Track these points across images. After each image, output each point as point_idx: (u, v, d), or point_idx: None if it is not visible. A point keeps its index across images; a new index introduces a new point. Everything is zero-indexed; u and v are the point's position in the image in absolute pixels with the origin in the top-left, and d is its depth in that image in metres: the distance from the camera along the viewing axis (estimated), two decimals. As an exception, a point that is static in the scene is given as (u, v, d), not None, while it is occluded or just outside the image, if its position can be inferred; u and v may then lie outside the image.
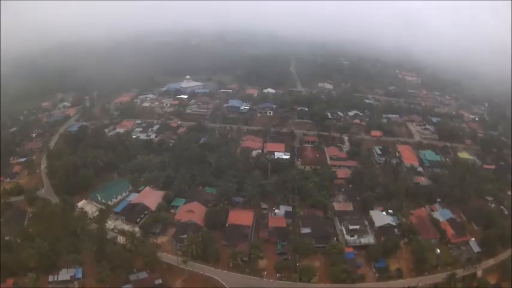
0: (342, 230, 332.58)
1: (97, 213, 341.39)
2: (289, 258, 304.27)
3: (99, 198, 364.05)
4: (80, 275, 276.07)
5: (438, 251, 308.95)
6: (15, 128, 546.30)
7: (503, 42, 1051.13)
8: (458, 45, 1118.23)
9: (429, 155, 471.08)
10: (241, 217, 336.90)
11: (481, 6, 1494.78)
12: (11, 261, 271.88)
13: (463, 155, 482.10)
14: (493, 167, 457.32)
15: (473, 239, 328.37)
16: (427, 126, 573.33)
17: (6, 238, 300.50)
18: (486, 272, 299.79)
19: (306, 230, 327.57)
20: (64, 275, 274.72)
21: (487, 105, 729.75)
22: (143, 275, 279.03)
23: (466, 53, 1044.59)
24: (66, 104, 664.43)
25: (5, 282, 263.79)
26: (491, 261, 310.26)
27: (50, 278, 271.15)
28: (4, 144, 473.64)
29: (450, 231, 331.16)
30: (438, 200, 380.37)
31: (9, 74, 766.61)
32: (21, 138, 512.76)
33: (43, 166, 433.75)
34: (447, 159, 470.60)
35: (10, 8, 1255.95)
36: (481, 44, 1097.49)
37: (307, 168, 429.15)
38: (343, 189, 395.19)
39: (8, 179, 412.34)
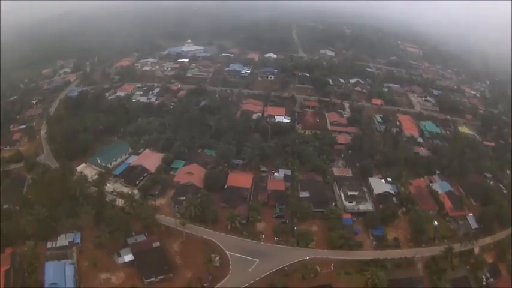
0: (340, 196, 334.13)
1: (96, 176, 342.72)
2: (287, 221, 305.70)
3: (99, 161, 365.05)
4: (78, 240, 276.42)
5: (436, 223, 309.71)
6: (15, 97, 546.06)
7: (504, 20, 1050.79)
8: (461, 20, 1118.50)
9: (429, 126, 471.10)
10: (240, 179, 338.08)
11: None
12: (9, 230, 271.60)
13: (464, 129, 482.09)
14: (492, 144, 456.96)
15: (471, 214, 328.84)
16: (428, 98, 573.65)
17: (5, 206, 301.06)
18: (483, 249, 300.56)
19: (304, 194, 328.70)
20: (62, 240, 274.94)
21: (488, 82, 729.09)
22: (141, 237, 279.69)
23: (468, 28, 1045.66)
24: (66, 70, 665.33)
25: (4, 252, 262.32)
26: (488, 239, 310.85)
27: (48, 245, 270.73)
28: (4, 112, 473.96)
29: (448, 203, 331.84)
30: (437, 171, 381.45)
31: (9, 42, 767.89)
32: (21, 105, 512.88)
33: (43, 132, 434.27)
34: (447, 131, 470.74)
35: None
36: (484, 21, 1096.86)
37: (307, 132, 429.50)
38: (342, 155, 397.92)
39: (8, 147, 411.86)
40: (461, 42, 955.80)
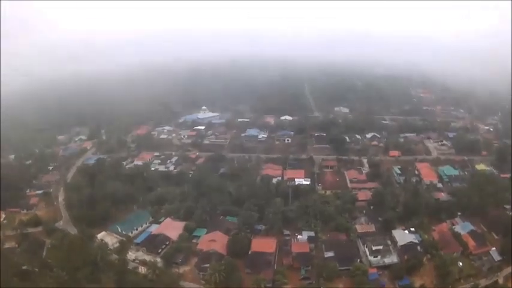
0: (365, 252, 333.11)
1: (117, 244, 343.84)
2: (314, 282, 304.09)
3: (119, 229, 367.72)
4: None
5: (460, 264, 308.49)
6: (30, 161, 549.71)
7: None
8: (467, 56, 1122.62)
9: (447, 170, 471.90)
10: (263, 244, 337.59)
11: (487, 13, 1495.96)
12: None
13: (480, 166, 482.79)
14: (508, 175, 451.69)
15: (494, 248, 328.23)
16: (444, 141, 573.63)
17: (24, 267, 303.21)
18: (506, 278, 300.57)
19: (329, 254, 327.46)
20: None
21: (499, 114, 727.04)
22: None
23: (475, 62, 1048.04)
24: (82, 137, 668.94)
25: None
26: (510, 268, 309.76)
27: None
28: (20, 176, 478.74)
29: (471, 243, 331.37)
30: (459, 213, 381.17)
31: (23, 105, 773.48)
32: (37, 170, 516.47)
33: (61, 198, 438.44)
34: (465, 172, 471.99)
35: (25, 38, 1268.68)
36: (490, 52, 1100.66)
37: (328, 192, 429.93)
38: (364, 211, 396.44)
39: (25, 210, 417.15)
40: (470, 78, 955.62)
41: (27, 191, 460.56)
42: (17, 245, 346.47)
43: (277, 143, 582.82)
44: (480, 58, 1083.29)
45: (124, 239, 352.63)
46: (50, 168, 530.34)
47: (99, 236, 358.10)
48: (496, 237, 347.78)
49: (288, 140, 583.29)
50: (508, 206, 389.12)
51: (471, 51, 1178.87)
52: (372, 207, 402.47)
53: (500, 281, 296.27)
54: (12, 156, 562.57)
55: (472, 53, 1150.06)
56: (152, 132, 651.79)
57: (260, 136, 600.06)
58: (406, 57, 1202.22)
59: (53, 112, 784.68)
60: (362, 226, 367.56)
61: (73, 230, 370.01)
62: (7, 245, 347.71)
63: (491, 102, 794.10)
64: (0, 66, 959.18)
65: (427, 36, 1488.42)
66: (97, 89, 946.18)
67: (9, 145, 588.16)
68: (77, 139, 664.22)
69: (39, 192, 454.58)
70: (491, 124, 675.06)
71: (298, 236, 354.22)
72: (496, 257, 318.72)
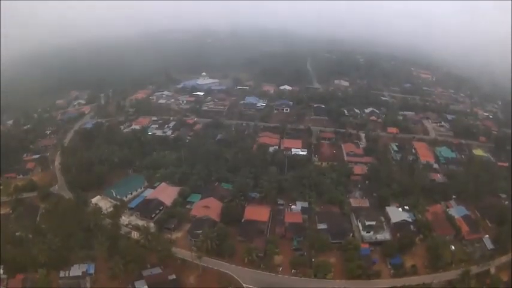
0: (358, 226, 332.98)
1: (111, 209, 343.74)
2: (305, 254, 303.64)
3: (114, 194, 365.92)
4: (91, 271, 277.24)
5: (453, 247, 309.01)
6: (29, 126, 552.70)
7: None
8: (471, 43, 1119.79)
9: (445, 151, 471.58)
10: (257, 213, 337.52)
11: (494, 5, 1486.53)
12: (21, 257, 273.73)
13: (478, 152, 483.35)
14: (507, 164, 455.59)
15: (487, 236, 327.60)
16: (443, 123, 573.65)
17: (17, 233, 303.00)
18: (499, 269, 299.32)
19: (322, 226, 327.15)
20: (76, 270, 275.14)
21: (500, 103, 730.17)
22: (157, 270, 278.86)
23: (479, 50, 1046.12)
24: (81, 101, 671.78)
25: (15, 278, 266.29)
26: (504, 258, 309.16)
27: (61, 274, 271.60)
28: (17, 141, 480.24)
29: (465, 227, 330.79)
30: (453, 196, 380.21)
31: (23, 72, 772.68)
32: (35, 135, 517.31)
33: (57, 162, 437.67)
34: (462, 156, 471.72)
35: (26, 6, 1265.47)
36: (494, 41, 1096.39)
37: (324, 164, 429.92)
38: (359, 186, 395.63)
39: (21, 175, 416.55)
40: (473, 64, 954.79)
41: (24, 155, 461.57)
42: (11, 211, 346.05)
43: (275, 112, 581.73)
44: (485, 47, 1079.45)
45: (118, 203, 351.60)
46: (48, 132, 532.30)
47: (94, 200, 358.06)
48: (489, 224, 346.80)
49: (286, 110, 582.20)
50: (503, 195, 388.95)
51: (478, 39, 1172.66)
52: (367, 182, 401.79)
53: (492, 270, 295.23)
54: (10, 122, 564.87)
55: (478, 41, 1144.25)
56: (151, 97, 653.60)
57: (259, 104, 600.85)
58: (410, 38, 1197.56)
59: (53, 77, 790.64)
60: (356, 200, 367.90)
61: (68, 195, 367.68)
62: (2, 211, 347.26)
63: (492, 90, 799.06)
64: (0, 31, 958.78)
65: (435, 20, 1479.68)
66: (98, 56, 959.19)
67: (8, 110, 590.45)
68: (75, 103, 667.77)
69: (36, 156, 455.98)
70: (491, 111, 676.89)
71: (292, 206, 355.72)
72: (489, 245, 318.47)
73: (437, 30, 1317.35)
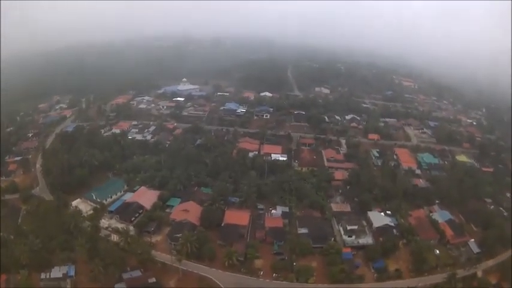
0: (339, 231, 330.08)
1: (91, 211, 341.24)
2: (286, 258, 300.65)
3: (94, 197, 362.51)
4: (72, 273, 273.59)
5: (437, 251, 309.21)
6: (11, 128, 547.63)
7: (499, 47, 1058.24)
8: (453, 51, 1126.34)
9: (427, 157, 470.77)
10: (237, 217, 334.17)
11: (477, 11, 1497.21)
12: (3, 258, 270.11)
13: (462, 158, 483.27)
14: (491, 169, 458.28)
15: (473, 239, 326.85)
16: (425, 130, 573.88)
17: (1, 234, 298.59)
18: (486, 272, 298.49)
19: (303, 230, 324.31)
20: (56, 272, 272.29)
21: (484, 110, 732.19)
22: (137, 273, 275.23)
23: (462, 58, 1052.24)
24: (62, 105, 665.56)
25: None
26: (490, 262, 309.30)
27: (42, 276, 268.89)
28: (0, 143, 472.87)
29: (449, 232, 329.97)
30: (437, 201, 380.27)
31: (6, 75, 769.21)
32: (17, 137, 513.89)
33: (38, 165, 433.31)
34: (445, 162, 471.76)
35: (9, 10, 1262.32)
36: (477, 50, 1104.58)
37: (304, 169, 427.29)
38: (340, 191, 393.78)
39: (3, 177, 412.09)
40: (456, 72, 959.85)
41: (7, 157, 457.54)
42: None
43: (255, 118, 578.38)
44: (469, 54, 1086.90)
45: (98, 206, 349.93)
46: (30, 135, 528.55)
47: (74, 203, 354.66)
48: (474, 229, 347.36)
49: (266, 116, 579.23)
50: (488, 200, 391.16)
51: (461, 47, 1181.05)
52: (348, 187, 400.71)
53: (479, 273, 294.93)
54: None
55: (461, 49, 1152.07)
56: (131, 102, 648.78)
57: (239, 110, 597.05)
58: (392, 47, 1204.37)
59: (36, 81, 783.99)
60: (337, 205, 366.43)
61: (49, 197, 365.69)
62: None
63: (476, 98, 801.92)
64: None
65: (416, 31, 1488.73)
66: (81, 61, 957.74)
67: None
68: (57, 107, 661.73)
69: (18, 158, 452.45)
70: (474, 118, 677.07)
71: (272, 211, 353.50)
72: (475, 248, 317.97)
73: (419, 39, 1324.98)
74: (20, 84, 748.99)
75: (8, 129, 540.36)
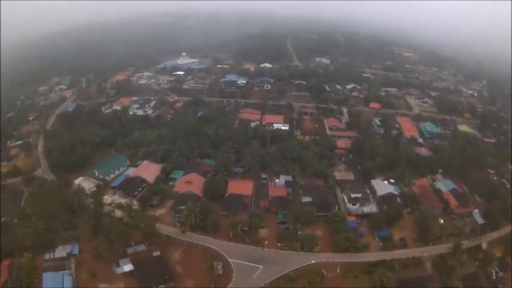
0: (343, 199, 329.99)
1: (94, 189, 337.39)
2: (291, 227, 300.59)
3: (96, 174, 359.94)
4: (76, 251, 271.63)
5: (442, 221, 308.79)
6: (12, 113, 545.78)
7: (500, 22, 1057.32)
8: (455, 23, 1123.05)
9: (429, 126, 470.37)
10: (240, 187, 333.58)
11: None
12: (7, 242, 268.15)
13: (463, 127, 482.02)
14: (493, 140, 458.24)
15: (477, 210, 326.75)
16: (426, 99, 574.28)
17: (3, 219, 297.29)
18: (491, 244, 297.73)
19: (307, 199, 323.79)
20: (60, 252, 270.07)
21: (485, 82, 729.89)
22: (141, 247, 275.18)
23: (463, 31, 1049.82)
24: (62, 86, 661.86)
25: (1, 264, 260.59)
26: (495, 234, 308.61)
27: (46, 256, 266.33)
28: (1, 128, 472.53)
29: (453, 201, 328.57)
30: (440, 170, 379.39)
31: (5, 60, 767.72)
32: (18, 122, 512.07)
33: (40, 147, 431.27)
34: (447, 131, 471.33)
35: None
36: (479, 23, 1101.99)
37: (307, 138, 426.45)
38: (343, 159, 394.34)
39: (5, 162, 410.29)
40: (456, 44, 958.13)
41: (8, 142, 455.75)
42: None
43: (256, 89, 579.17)
44: (468, 28, 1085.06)
45: (101, 183, 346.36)
46: (30, 118, 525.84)
47: (77, 181, 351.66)
48: (478, 199, 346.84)
49: (267, 87, 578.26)
50: (491, 171, 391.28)
51: (461, 20, 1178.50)
52: (350, 155, 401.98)
53: (484, 245, 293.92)
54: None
55: (461, 22, 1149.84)
56: (131, 78, 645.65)
57: (239, 82, 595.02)
58: (391, 18, 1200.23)
59: (34, 65, 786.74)
60: (340, 173, 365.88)
61: (51, 177, 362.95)
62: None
63: (477, 70, 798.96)
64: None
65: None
66: (79, 42, 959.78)
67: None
68: (57, 89, 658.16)
69: (19, 142, 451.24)
70: (475, 90, 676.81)
71: (276, 180, 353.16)
72: (479, 219, 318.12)
73: (419, 10, 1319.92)
74: (20, 68, 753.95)
75: (8, 115, 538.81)
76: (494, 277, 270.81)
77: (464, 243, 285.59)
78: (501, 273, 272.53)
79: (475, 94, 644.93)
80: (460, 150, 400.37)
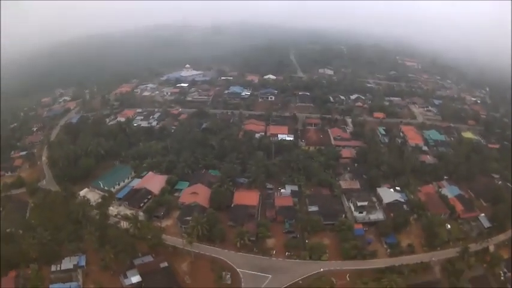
0: (350, 208, 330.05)
1: (99, 200, 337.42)
2: (298, 236, 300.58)
3: (101, 185, 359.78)
4: (83, 263, 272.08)
5: (448, 226, 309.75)
6: (15, 124, 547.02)
7: (501, 27, 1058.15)
8: (457, 32, 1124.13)
9: (433, 134, 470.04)
10: (246, 197, 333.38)
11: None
12: (12, 253, 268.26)
13: (467, 134, 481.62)
14: (497, 146, 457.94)
15: (483, 214, 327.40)
16: (430, 108, 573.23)
17: (8, 230, 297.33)
18: (498, 247, 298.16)
19: (313, 208, 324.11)
20: (67, 263, 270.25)
21: (487, 89, 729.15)
22: (148, 258, 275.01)
23: (465, 39, 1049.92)
24: (66, 98, 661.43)
25: (7, 275, 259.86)
26: (502, 237, 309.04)
27: (53, 268, 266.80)
28: (4, 139, 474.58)
29: (459, 206, 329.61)
30: (445, 177, 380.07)
31: (9, 71, 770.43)
32: (21, 133, 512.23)
33: (44, 158, 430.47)
34: (451, 138, 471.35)
35: (10, 7, 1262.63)
36: (480, 31, 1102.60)
37: (312, 148, 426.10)
38: (348, 168, 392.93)
39: (9, 173, 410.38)
40: (459, 53, 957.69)
41: (12, 153, 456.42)
42: (1, 209, 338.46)
43: (260, 100, 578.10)
44: (470, 35, 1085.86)
45: (106, 194, 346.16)
46: (34, 129, 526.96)
47: (82, 192, 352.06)
48: (484, 204, 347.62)
49: (271, 98, 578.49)
50: (496, 176, 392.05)
51: (462, 27, 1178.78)
52: (356, 164, 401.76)
53: (491, 248, 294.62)
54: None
55: (463, 30, 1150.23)
56: (135, 90, 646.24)
57: (243, 93, 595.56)
58: (393, 28, 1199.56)
59: (38, 76, 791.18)
60: (346, 182, 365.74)
61: (56, 189, 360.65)
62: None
63: (479, 78, 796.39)
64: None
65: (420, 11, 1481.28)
66: (83, 54, 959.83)
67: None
68: (61, 100, 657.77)
69: (23, 153, 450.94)
70: (478, 97, 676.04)
71: (282, 190, 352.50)
72: (486, 223, 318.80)
73: (421, 19, 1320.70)
74: (22, 80, 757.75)
75: (12, 126, 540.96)
76: (502, 278, 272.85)
77: (472, 246, 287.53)
78: (509, 274, 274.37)
79: (478, 101, 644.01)
80: (465, 157, 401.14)
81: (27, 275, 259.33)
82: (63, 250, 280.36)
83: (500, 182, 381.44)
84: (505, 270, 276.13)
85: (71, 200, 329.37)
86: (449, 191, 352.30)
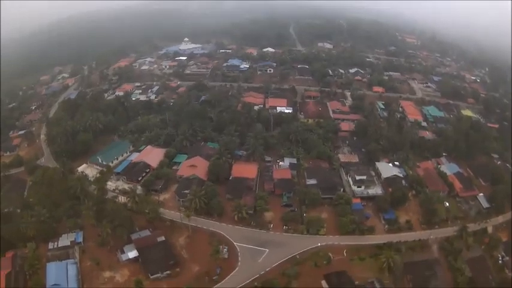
0: (348, 181, 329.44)
1: (98, 175, 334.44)
2: (296, 209, 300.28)
3: (100, 160, 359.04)
4: (80, 240, 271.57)
5: (447, 204, 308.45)
6: (14, 103, 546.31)
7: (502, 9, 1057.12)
8: (458, 10, 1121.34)
9: (432, 110, 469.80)
10: (245, 170, 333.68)
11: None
12: (10, 233, 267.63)
13: (467, 112, 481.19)
14: (496, 126, 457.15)
15: (482, 194, 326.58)
16: (429, 84, 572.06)
17: (6, 210, 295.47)
18: (496, 228, 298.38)
19: (311, 181, 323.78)
20: (64, 240, 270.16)
21: (487, 69, 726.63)
22: (145, 233, 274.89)
23: (465, 17, 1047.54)
24: (64, 75, 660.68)
25: (5, 256, 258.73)
26: (500, 218, 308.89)
27: (50, 246, 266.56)
28: (3, 119, 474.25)
29: (458, 184, 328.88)
30: (444, 154, 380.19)
31: (7, 50, 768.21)
32: (20, 112, 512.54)
33: (42, 135, 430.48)
34: (451, 115, 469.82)
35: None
36: (481, 10, 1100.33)
37: (310, 121, 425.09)
38: (347, 142, 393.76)
39: (8, 152, 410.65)
40: (459, 32, 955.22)
41: (10, 133, 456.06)
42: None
43: (259, 73, 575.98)
44: (471, 15, 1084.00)
45: (104, 169, 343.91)
46: (33, 108, 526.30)
47: (80, 168, 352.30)
48: (483, 183, 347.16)
49: (270, 71, 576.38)
50: (495, 156, 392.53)
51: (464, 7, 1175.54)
52: (354, 138, 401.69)
53: (490, 229, 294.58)
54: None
55: (464, 9, 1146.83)
56: (133, 65, 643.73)
57: (242, 66, 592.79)
58: (394, 4, 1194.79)
59: (36, 55, 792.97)
60: (345, 156, 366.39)
61: (54, 166, 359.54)
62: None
63: (479, 56, 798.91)
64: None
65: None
66: (80, 30, 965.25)
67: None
68: (59, 77, 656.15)
69: (22, 132, 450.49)
70: (478, 76, 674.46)
71: (280, 163, 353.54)
72: (484, 203, 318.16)
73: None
74: (21, 58, 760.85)
75: (11, 105, 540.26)
76: (500, 261, 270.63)
77: (470, 226, 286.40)
78: (507, 258, 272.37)
79: (478, 80, 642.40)
80: (464, 135, 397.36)
81: (25, 254, 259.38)
82: (61, 227, 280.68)
83: (499, 162, 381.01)
84: (503, 253, 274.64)
85: (69, 176, 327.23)
86: (448, 168, 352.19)
